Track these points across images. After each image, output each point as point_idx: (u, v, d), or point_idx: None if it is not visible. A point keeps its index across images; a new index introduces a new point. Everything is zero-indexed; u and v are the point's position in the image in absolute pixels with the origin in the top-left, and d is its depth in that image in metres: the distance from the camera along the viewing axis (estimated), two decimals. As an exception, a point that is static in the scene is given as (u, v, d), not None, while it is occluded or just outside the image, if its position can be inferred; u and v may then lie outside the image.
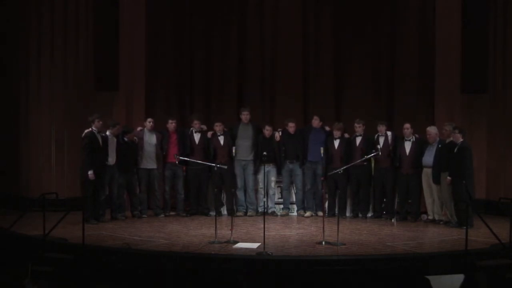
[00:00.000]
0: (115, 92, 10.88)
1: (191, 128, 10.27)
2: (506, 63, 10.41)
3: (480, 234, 8.17)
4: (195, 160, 9.73)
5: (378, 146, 9.58)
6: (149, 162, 10.02)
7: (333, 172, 9.39)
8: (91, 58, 10.84)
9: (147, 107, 11.10)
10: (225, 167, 9.42)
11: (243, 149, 10.25)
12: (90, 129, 9.27)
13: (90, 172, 9.09)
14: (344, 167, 9.10)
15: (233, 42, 11.54)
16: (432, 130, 9.57)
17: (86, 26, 10.81)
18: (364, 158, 9.46)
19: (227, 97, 11.52)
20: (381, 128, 9.97)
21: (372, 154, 9.31)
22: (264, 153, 8.68)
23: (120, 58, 10.81)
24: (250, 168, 10.29)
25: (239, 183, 10.28)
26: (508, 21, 10.39)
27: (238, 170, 10.25)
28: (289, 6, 11.45)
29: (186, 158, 9.74)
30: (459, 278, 6.31)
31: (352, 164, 9.44)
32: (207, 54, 11.56)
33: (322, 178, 9.92)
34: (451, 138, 9.20)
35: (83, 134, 9.30)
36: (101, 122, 9.33)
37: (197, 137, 10.21)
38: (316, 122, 10.28)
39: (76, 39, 10.74)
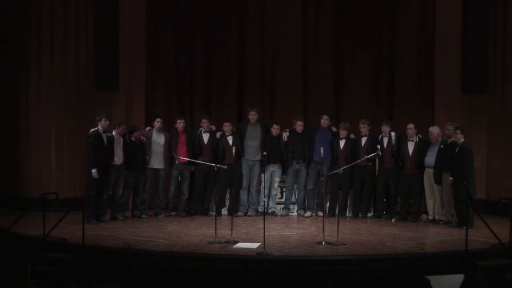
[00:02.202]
0: (115, 92, 10.88)
1: (200, 128, 10.28)
2: (506, 63, 10.41)
3: (480, 234, 8.17)
4: (194, 160, 9.73)
5: (378, 146, 9.57)
6: (157, 162, 10.02)
7: (333, 172, 9.40)
8: (91, 58, 10.84)
9: (147, 107, 11.11)
10: (225, 167, 9.41)
11: (251, 149, 10.24)
12: (96, 128, 9.28)
13: (93, 171, 9.09)
14: (344, 167, 9.10)
15: (233, 42, 11.54)
16: (434, 130, 9.57)
17: (86, 26, 10.81)
18: (364, 158, 9.47)
19: (227, 97, 11.52)
20: (385, 128, 9.97)
21: (372, 154, 9.31)
22: (264, 153, 8.65)
23: (120, 58, 10.82)
24: (257, 169, 10.28)
25: (245, 182, 10.27)
26: (508, 21, 10.38)
27: (244, 170, 10.24)
28: (289, 6, 11.45)
29: (185, 158, 9.76)
30: (459, 278, 6.32)
31: (352, 164, 9.45)
32: (207, 54, 11.55)
33: (322, 178, 9.91)
34: (453, 138, 9.19)
35: (88, 133, 9.32)
36: (107, 122, 9.35)
37: (206, 137, 10.21)
38: (326, 122, 10.26)
39: (76, 39, 10.74)
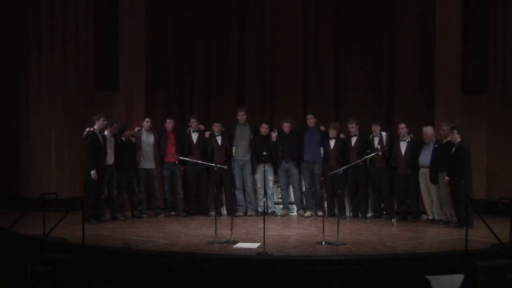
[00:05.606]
0: (115, 92, 10.89)
1: (189, 128, 10.28)
2: (506, 63, 10.41)
3: (480, 234, 8.17)
4: (195, 160, 9.74)
5: (379, 146, 9.56)
6: (148, 162, 10.02)
7: (333, 172, 9.40)
8: (91, 58, 10.85)
9: (147, 107, 11.11)
10: (225, 167, 9.42)
11: (240, 149, 10.23)
12: (92, 128, 9.26)
13: (93, 172, 9.09)
14: (345, 167, 9.08)
15: (233, 42, 11.55)
16: (428, 130, 9.55)
17: (86, 26, 10.82)
18: (364, 158, 9.44)
19: (227, 97, 11.53)
20: (375, 128, 9.96)
21: (373, 154, 9.28)
22: (264, 153, 8.69)
23: (120, 58, 10.82)
24: (248, 168, 10.31)
25: (238, 183, 10.29)
26: (508, 21, 10.39)
27: (236, 170, 10.25)
28: (290, 7, 11.45)
29: (186, 158, 9.76)
30: (459, 278, 6.32)
31: (352, 164, 9.43)
32: (207, 54, 11.56)
33: (322, 178, 9.91)
34: (449, 138, 9.18)
35: (84, 134, 9.30)
36: (105, 122, 9.34)
37: (194, 136, 10.22)
38: (312, 121, 10.28)
39: (76, 39, 10.75)
